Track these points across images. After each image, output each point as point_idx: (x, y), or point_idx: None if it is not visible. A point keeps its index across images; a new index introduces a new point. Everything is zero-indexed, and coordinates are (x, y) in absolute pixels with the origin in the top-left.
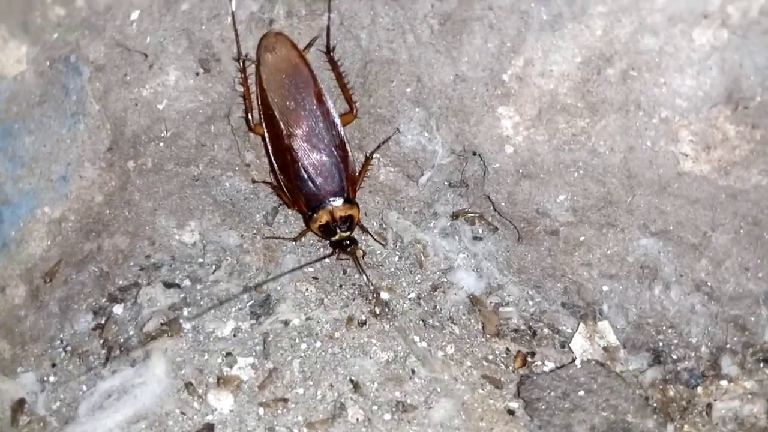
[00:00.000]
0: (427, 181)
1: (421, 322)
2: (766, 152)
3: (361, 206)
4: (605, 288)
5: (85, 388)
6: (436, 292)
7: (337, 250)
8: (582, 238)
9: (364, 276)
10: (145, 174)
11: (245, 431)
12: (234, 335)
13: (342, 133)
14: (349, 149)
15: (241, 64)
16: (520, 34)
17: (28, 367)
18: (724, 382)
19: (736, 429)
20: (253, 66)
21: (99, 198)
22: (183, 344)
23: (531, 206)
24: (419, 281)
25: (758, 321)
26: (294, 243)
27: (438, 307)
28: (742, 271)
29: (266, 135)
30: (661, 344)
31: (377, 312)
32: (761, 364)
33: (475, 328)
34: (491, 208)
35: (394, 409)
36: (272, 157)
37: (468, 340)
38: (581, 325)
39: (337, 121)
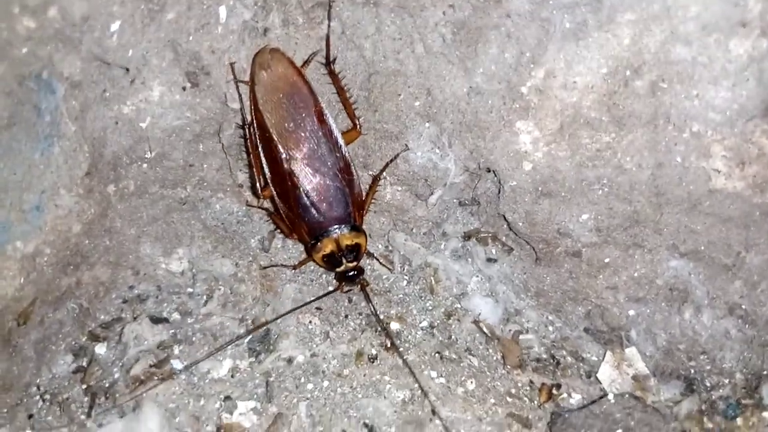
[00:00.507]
0: (437, 200)
1: (436, 354)
2: None
3: (366, 229)
4: (632, 312)
5: None
6: (450, 320)
7: (342, 282)
8: (607, 260)
9: (372, 307)
10: (127, 198)
11: None
12: (232, 376)
13: (346, 154)
14: (354, 171)
15: (247, 130)
16: (541, 43)
17: (1, 421)
18: (766, 414)
19: None
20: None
21: (77, 228)
22: (176, 387)
23: (551, 226)
24: (431, 308)
25: None
26: (293, 271)
27: (453, 336)
28: None
29: (264, 162)
30: (693, 371)
31: (388, 345)
32: None
33: (494, 358)
34: (505, 227)
35: None
36: (271, 183)
37: (488, 373)
38: (608, 353)
39: (341, 141)
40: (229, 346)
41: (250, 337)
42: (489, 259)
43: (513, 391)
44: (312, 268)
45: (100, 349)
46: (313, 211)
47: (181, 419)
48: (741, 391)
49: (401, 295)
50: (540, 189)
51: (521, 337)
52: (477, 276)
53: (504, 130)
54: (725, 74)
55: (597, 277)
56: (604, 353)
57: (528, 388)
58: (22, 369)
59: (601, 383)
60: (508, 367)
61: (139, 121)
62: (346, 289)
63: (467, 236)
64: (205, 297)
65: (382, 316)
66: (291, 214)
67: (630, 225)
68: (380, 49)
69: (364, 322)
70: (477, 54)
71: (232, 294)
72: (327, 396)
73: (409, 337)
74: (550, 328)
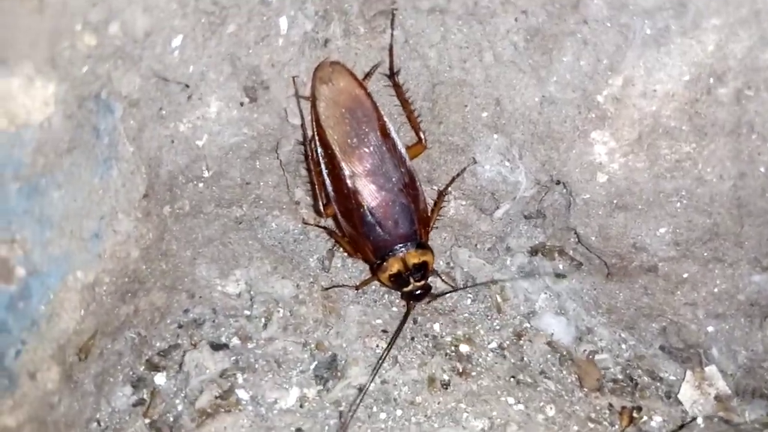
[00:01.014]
0: (504, 214)
1: (511, 379)
2: None
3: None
4: (710, 329)
5: None
6: (521, 341)
7: (409, 301)
8: (685, 275)
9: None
10: (182, 219)
11: None
12: (301, 406)
13: (411, 169)
14: (419, 186)
15: (308, 147)
16: (620, 50)
17: None
18: None
19: None
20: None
21: (135, 253)
22: (244, 420)
23: (626, 240)
24: (498, 328)
25: None
26: (356, 291)
27: (526, 359)
28: None
29: (327, 179)
30: None
31: (461, 370)
32: None
33: (569, 381)
34: (572, 240)
35: None
36: (333, 201)
37: (566, 397)
38: (688, 372)
39: (405, 156)
40: (294, 373)
41: (316, 363)
42: (557, 275)
43: (593, 415)
44: (374, 287)
45: (160, 379)
46: (378, 229)
47: None
48: None
49: (466, 315)
50: (615, 202)
51: (596, 357)
52: (545, 293)
53: (578, 140)
54: None
55: (674, 292)
56: (684, 372)
57: (607, 411)
58: (83, 404)
59: (682, 404)
60: (585, 389)
61: (195, 139)
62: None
63: (534, 251)
64: (263, 320)
65: (449, 338)
66: (355, 233)
67: (710, 238)
68: (446, 58)
69: (431, 345)
70: (551, 62)
71: (292, 316)
72: (402, 426)
73: (480, 360)
74: (623, 347)
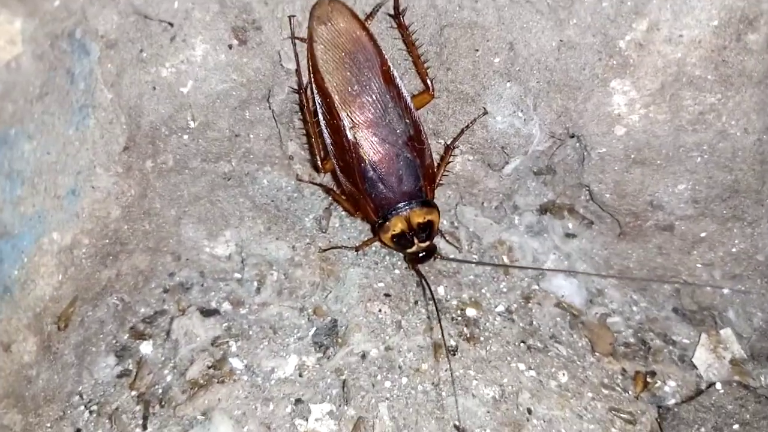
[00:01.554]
0: (513, 170)
1: (521, 344)
2: None
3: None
4: (726, 291)
5: None
6: (530, 304)
7: (414, 263)
8: (703, 234)
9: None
10: (165, 174)
11: None
12: (300, 375)
13: (417, 120)
14: (425, 139)
15: (305, 96)
16: None
17: None
18: None
19: None
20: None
21: (115, 212)
22: (239, 391)
23: (643, 197)
24: (505, 290)
25: None
26: (356, 253)
27: (535, 323)
28: None
29: (325, 130)
30: None
31: (468, 335)
32: None
33: (580, 345)
34: (583, 198)
35: None
36: (332, 155)
37: (578, 363)
38: (703, 335)
39: (411, 105)
40: (291, 340)
41: (315, 329)
42: (567, 234)
43: (606, 381)
44: (375, 249)
45: (146, 348)
46: (381, 185)
47: (249, 428)
48: None
49: (471, 277)
50: (633, 156)
51: (608, 320)
52: (554, 253)
53: (597, 90)
54: None
55: (690, 253)
56: (698, 335)
57: (620, 376)
58: (63, 377)
59: (696, 368)
60: (598, 354)
61: (179, 86)
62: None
63: (543, 209)
64: (256, 283)
65: (455, 302)
66: (355, 190)
67: (729, 196)
68: None
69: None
70: (572, 2)
71: (287, 280)
72: (408, 395)
73: (487, 324)
74: (635, 309)
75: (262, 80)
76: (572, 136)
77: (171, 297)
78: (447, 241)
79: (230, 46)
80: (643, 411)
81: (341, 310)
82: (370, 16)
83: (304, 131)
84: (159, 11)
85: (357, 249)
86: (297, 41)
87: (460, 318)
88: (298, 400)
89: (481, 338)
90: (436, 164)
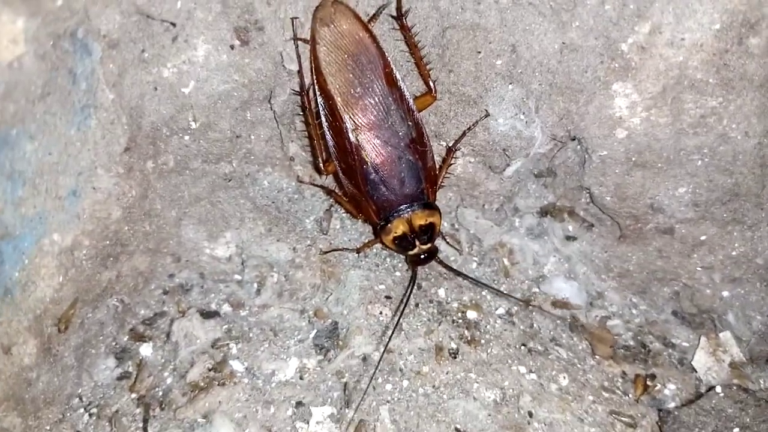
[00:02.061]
0: (514, 172)
1: (522, 347)
2: None
3: None
4: (725, 293)
5: None
6: (530, 307)
7: (415, 265)
8: (703, 237)
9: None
10: (166, 175)
11: None
12: (301, 377)
13: (419, 122)
14: (427, 142)
15: (307, 97)
16: None
17: None
18: None
19: None
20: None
21: (116, 213)
22: (240, 393)
23: (643, 200)
24: (506, 293)
25: None
26: (357, 255)
27: (536, 325)
28: None
29: (327, 132)
30: None
31: (469, 338)
32: None
33: (580, 348)
34: (583, 201)
35: None
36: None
37: (579, 366)
38: (702, 338)
39: (413, 107)
40: (292, 342)
41: (315, 331)
42: (567, 237)
43: (606, 384)
44: (376, 251)
45: (146, 350)
46: (383, 188)
47: (250, 431)
48: None
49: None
50: (633, 159)
51: (608, 323)
52: (555, 256)
53: (599, 92)
54: None
55: (690, 256)
56: (698, 339)
57: (620, 379)
58: (63, 379)
59: (696, 371)
60: (598, 357)
61: (180, 86)
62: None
63: (544, 212)
64: (256, 285)
65: (455, 304)
66: (357, 192)
67: (730, 199)
68: None
69: (437, 311)
70: (574, 5)
71: (287, 282)
72: (409, 398)
73: (488, 327)
74: (635, 311)
75: (264, 81)
76: (573, 139)
77: (171, 299)
78: (448, 243)
79: (232, 47)
80: (643, 414)
81: (342, 313)
82: (373, 17)
83: (305, 133)
84: (161, 11)
85: (358, 251)
86: (299, 42)
87: (461, 321)
88: (299, 403)
89: (482, 341)
90: (437, 166)
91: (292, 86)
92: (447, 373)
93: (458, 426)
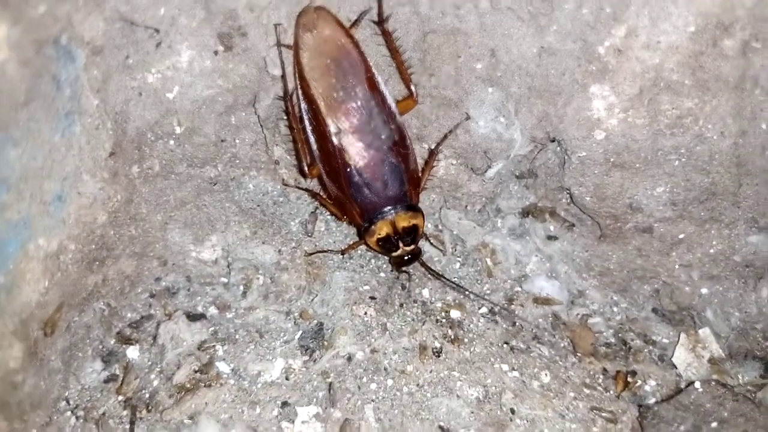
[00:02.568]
0: (496, 174)
1: (504, 345)
2: None
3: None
4: (704, 291)
5: None
6: (513, 306)
7: (399, 267)
8: (681, 236)
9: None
10: (152, 180)
11: None
12: (286, 378)
13: (401, 125)
14: (410, 144)
15: (291, 102)
16: None
17: None
18: None
19: None
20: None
21: (102, 217)
22: (226, 395)
23: (622, 200)
24: (489, 292)
25: None
26: (342, 257)
27: (518, 323)
28: None
29: (311, 136)
30: None
31: (453, 337)
32: None
33: (562, 345)
34: (564, 201)
35: None
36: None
37: (560, 363)
38: (682, 335)
39: (395, 110)
40: (277, 343)
41: (301, 332)
42: (549, 237)
43: (588, 381)
44: (360, 252)
45: (133, 353)
46: (366, 190)
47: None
48: None
49: (456, 279)
50: (612, 160)
51: (589, 321)
52: (536, 255)
53: (577, 95)
54: None
55: (669, 254)
56: (678, 335)
57: (601, 376)
58: (50, 383)
59: (676, 368)
60: (579, 354)
61: (165, 92)
62: (400, 271)
63: (525, 212)
64: (242, 288)
65: (439, 304)
66: (341, 195)
67: (707, 198)
68: (438, 4)
69: (421, 311)
70: (552, 9)
71: (273, 284)
72: (393, 396)
73: (471, 326)
74: (615, 309)
75: (248, 86)
76: (553, 141)
77: (157, 302)
78: (431, 244)
79: (216, 53)
80: (624, 410)
81: (327, 314)
82: (355, 23)
83: (290, 137)
84: (145, 17)
85: (343, 252)
86: (283, 48)
87: (444, 320)
88: (285, 403)
89: (465, 340)
90: (420, 169)
91: (276, 91)
92: (431, 372)
93: (442, 424)
